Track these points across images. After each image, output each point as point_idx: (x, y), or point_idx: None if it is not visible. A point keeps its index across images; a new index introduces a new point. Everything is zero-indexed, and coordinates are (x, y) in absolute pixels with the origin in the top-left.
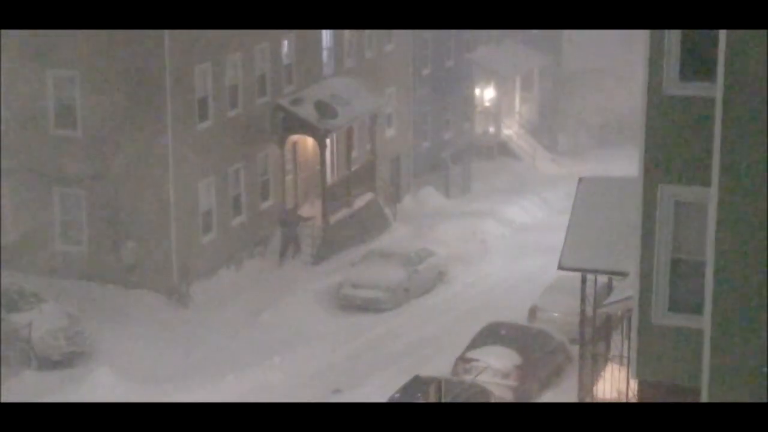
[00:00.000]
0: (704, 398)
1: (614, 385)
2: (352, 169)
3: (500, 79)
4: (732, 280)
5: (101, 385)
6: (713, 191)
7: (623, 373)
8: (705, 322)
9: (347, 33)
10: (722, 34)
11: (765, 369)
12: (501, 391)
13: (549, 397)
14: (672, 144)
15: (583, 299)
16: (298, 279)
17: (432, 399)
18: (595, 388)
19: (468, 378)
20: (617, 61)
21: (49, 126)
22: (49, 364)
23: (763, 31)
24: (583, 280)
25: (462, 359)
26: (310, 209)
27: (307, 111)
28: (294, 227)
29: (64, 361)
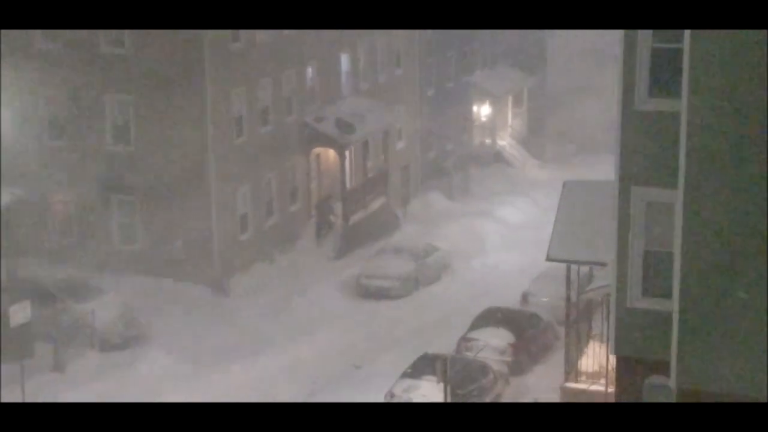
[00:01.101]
0: (673, 371)
1: (596, 360)
2: (368, 176)
3: (494, 97)
4: (696, 269)
5: (154, 363)
6: (679, 193)
7: (603, 350)
8: (673, 305)
9: (362, 59)
10: (685, 55)
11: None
12: (498, 366)
13: (539, 370)
14: (643, 152)
15: (568, 286)
16: (322, 271)
17: (439, 374)
18: (579, 362)
19: (469, 355)
20: (595, 81)
21: (107, 142)
22: (109, 346)
23: (723, 51)
24: (568, 270)
25: (464, 339)
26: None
27: (328, 127)
28: (327, 212)
29: (122, 344)
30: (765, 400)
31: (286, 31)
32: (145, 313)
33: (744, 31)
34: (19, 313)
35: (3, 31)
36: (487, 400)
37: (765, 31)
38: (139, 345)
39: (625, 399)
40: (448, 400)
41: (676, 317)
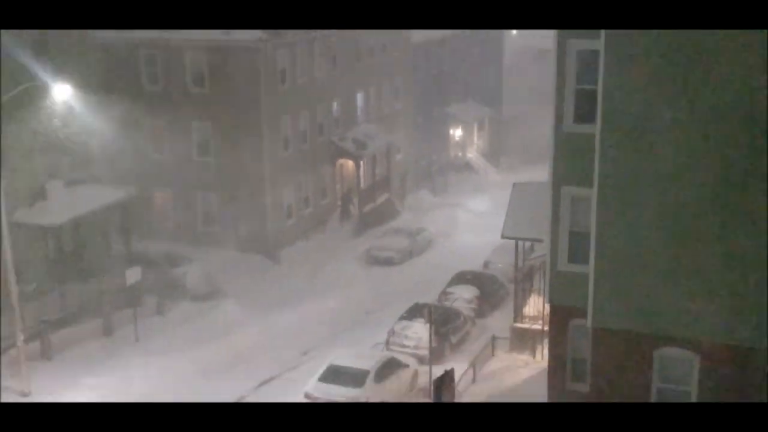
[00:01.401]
0: (589, 315)
1: (535, 307)
2: (375, 179)
3: (465, 123)
4: (606, 243)
5: (227, 310)
6: (594, 190)
7: (540, 300)
8: (589, 269)
9: (372, 97)
10: (599, 94)
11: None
12: (467, 312)
13: (496, 314)
14: (569, 162)
15: (516, 256)
16: (344, 246)
17: (426, 317)
18: (523, 309)
19: (447, 304)
20: (537, 112)
21: (193, 154)
22: (197, 298)
23: (628, 89)
24: (516, 245)
25: (443, 293)
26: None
27: (348, 145)
28: (347, 204)
29: (205, 296)
30: (649, 332)
31: (318, 76)
32: (221, 275)
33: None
34: (133, 276)
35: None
36: (459, 336)
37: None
38: (216, 297)
39: (555, 336)
40: (432, 337)
41: (591, 277)
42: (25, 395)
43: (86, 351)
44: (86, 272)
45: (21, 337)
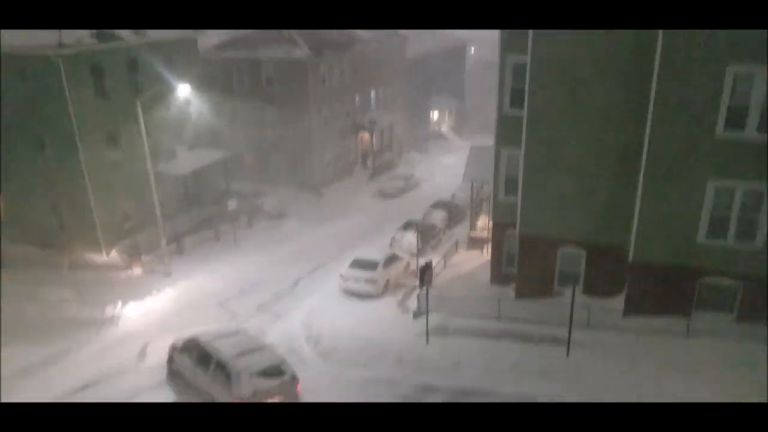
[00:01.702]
0: (517, 227)
1: (484, 223)
2: (383, 144)
3: (440, 109)
4: (528, 183)
5: (290, 226)
6: (522, 151)
7: (487, 219)
8: (518, 199)
9: (381, 93)
10: (526, 89)
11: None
12: (441, 225)
13: (458, 228)
14: (507, 133)
15: (471, 192)
16: (363, 186)
17: (414, 228)
18: (476, 224)
19: (427, 221)
20: (488, 100)
21: (267, 130)
22: (269, 218)
23: (545, 87)
24: (472, 185)
25: (425, 214)
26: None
27: (365, 123)
28: (365, 160)
29: (277, 216)
30: (555, 237)
31: (345, 80)
32: (286, 203)
33: (555, 78)
34: (231, 204)
35: (217, 78)
36: (435, 240)
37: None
38: (283, 217)
39: (495, 240)
40: (419, 241)
41: (519, 204)
42: (168, 275)
43: (204, 250)
44: (202, 202)
45: (164, 241)
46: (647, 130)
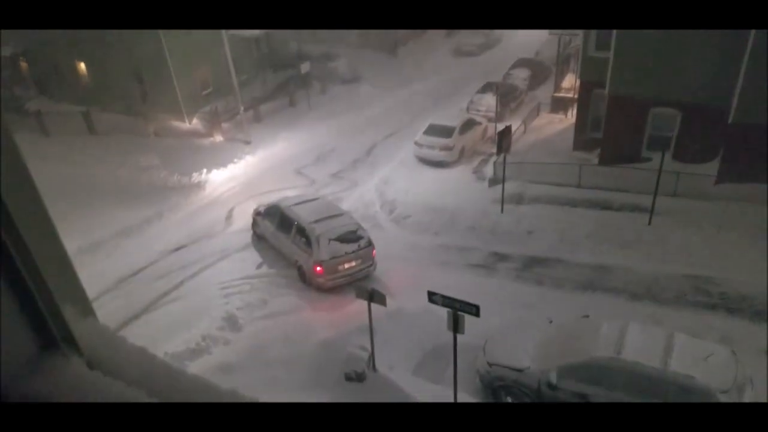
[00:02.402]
0: (607, 87)
1: (570, 82)
2: None
3: None
4: (622, 36)
5: (364, 90)
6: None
7: (574, 78)
8: (610, 54)
9: None
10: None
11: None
12: (522, 86)
13: (542, 88)
14: None
15: (558, 47)
16: (440, 43)
17: (494, 90)
18: (561, 84)
19: (509, 81)
20: None
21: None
22: (343, 81)
23: None
24: (559, 39)
25: (506, 74)
26: None
27: None
28: None
29: (350, 80)
30: (648, 97)
31: None
32: (359, 66)
33: None
34: (305, 67)
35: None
36: (516, 103)
37: None
38: (357, 81)
39: (581, 101)
40: (498, 104)
41: (611, 60)
42: (247, 143)
43: (280, 117)
44: (277, 66)
45: (241, 108)
46: None
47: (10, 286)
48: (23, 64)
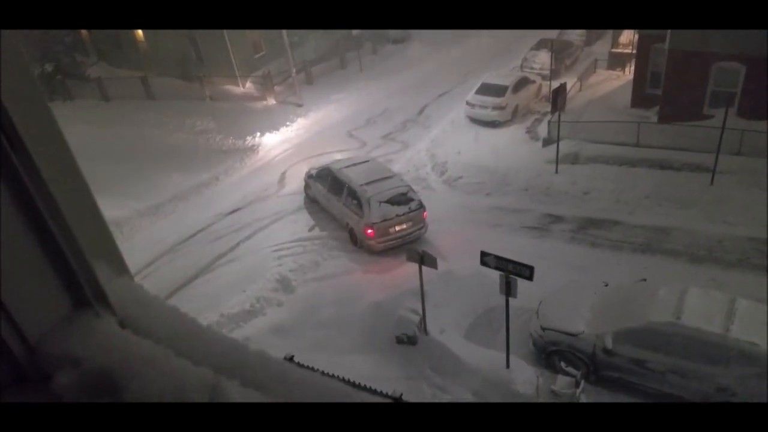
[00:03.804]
0: (667, 40)
1: (627, 37)
2: None
3: None
4: None
5: (415, 49)
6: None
7: (632, 31)
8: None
9: None
10: None
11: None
12: (578, 42)
13: (599, 42)
14: None
15: None
16: None
17: (549, 46)
18: (619, 39)
19: (564, 37)
20: None
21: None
22: (396, 41)
23: None
24: None
25: (561, 30)
26: None
27: None
28: None
29: (401, 40)
30: (710, 50)
31: None
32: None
33: None
34: (356, 31)
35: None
36: (571, 60)
37: None
38: (407, 40)
39: (640, 56)
40: (553, 61)
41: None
42: (299, 106)
43: (331, 78)
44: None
45: (293, 71)
46: None
47: (40, 245)
48: (84, 32)
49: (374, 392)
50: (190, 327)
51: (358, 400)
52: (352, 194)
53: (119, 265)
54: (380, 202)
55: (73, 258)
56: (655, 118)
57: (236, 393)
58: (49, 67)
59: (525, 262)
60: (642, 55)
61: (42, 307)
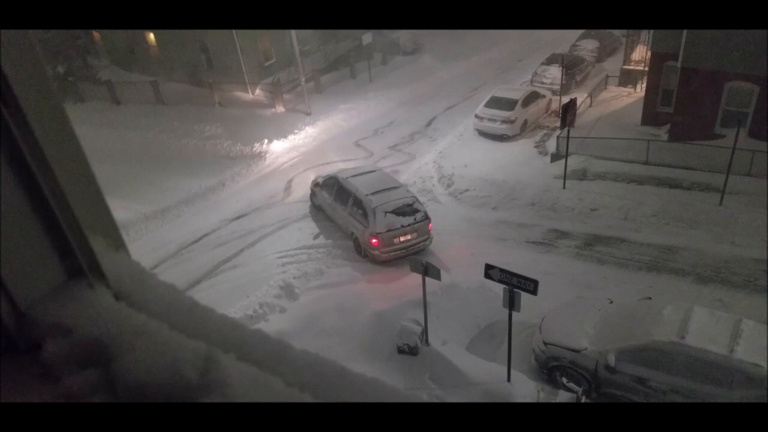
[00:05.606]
0: (679, 60)
1: (640, 54)
2: None
3: None
4: None
5: (426, 62)
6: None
7: (644, 49)
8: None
9: None
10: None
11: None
12: (589, 58)
13: (611, 60)
14: None
15: None
16: None
17: (559, 62)
18: (631, 55)
19: (575, 53)
20: None
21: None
22: (406, 53)
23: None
24: None
25: (573, 45)
26: None
27: None
28: None
29: (411, 52)
30: (724, 70)
31: None
32: (422, 37)
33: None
34: (366, 39)
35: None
36: (582, 75)
37: None
38: (418, 52)
39: (652, 73)
40: (563, 76)
41: (684, 30)
42: (308, 114)
43: (340, 87)
44: (338, 37)
45: (303, 79)
46: None
47: (35, 212)
48: (96, 34)
49: None
50: (186, 303)
51: (354, 380)
52: (358, 203)
53: (116, 240)
54: (386, 212)
55: (68, 228)
56: (665, 136)
57: (230, 365)
58: (61, 69)
59: (530, 276)
60: (654, 72)
61: (34, 273)
